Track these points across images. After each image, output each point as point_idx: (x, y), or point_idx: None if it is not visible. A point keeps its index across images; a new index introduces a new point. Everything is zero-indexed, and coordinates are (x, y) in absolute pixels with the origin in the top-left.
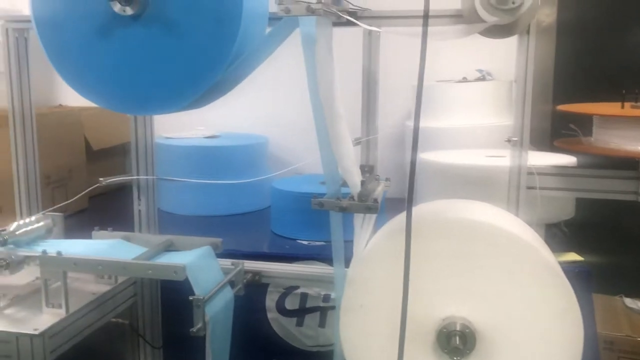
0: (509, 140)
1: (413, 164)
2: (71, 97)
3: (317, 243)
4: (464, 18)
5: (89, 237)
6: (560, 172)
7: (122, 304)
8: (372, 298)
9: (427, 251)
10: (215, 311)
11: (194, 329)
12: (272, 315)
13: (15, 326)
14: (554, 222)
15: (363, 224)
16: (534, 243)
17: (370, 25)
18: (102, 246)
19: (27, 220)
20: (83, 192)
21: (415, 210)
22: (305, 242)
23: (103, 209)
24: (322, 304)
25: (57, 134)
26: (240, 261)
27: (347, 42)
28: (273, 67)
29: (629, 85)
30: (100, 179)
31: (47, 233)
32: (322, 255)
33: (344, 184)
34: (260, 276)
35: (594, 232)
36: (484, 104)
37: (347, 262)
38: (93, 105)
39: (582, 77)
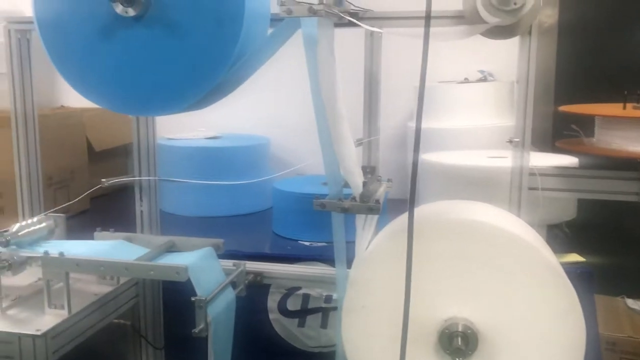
0: (510, 141)
1: (415, 164)
2: (73, 98)
3: (319, 244)
4: (466, 19)
5: (91, 238)
6: (562, 173)
7: (124, 305)
8: (374, 299)
9: (429, 252)
10: (217, 312)
11: (196, 330)
12: (273, 316)
13: (18, 327)
14: (555, 223)
15: (365, 225)
16: (536, 244)
17: (372, 26)
18: (104, 247)
19: (30, 221)
20: (85, 193)
21: (417, 211)
22: (306, 243)
23: (105, 209)
24: (324, 305)
25: (59, 135)
26: (242, 262)
27: (348, 43)
28: (275, 68)
29: (631, 86)
30: (103, 180)
31: (49, 234)
32: (324, 256)
33: (346, 185)
34: (262, 277)
35: (595, 233)
36: (486, 105)
37: (349, 263)
38: (95, 106)
39: (584, 78)
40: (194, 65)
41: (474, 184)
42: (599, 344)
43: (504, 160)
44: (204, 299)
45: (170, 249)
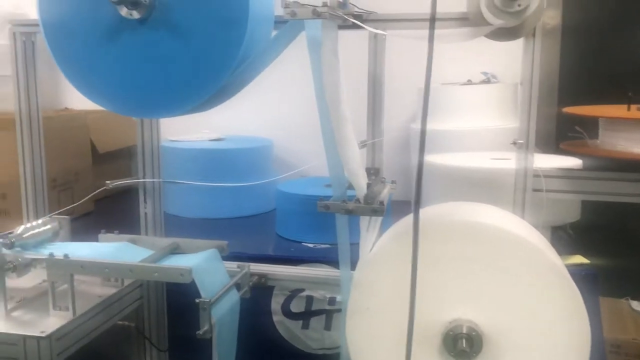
0: (514, 143)
1: (420, 166)
2: (77, 101)
3: (322, 246)
4: (470, 21)
5: (95, 239)
6: (566, 174)
7: (129, 307)
8: (378, 301)
9: (433, 254)
10: (222, 314)
11: (200, 332)
12: (277, 318)
13: (23, 328)
14: (559, 225)
15: (369, 226)
16: (541, 246)
17: (376, 28)
18: (108, 249)
19: (34, 223)
20: (89, 195)
21: (421, 212)
22: (310, 245)
23: (109, 211)
24: (327, 307)
25: (63, 137)
26: (246, 264)
27: (352, 45)
28: (278, 70)
29: (635, 87)
30: (107, 182)
31: (54, 236)
32: (328, 258)
33: (350, 187)
34: (265, 279)
35: (599, 234)
36: (489, 107)
37: (353, 265)
38: (99, 108)
39: (588, 80)
40: (198, 68)
41: (477, 186)
42: (604, 346)
43: (507, 162)
44: (208, 300)
45: (175, 250)
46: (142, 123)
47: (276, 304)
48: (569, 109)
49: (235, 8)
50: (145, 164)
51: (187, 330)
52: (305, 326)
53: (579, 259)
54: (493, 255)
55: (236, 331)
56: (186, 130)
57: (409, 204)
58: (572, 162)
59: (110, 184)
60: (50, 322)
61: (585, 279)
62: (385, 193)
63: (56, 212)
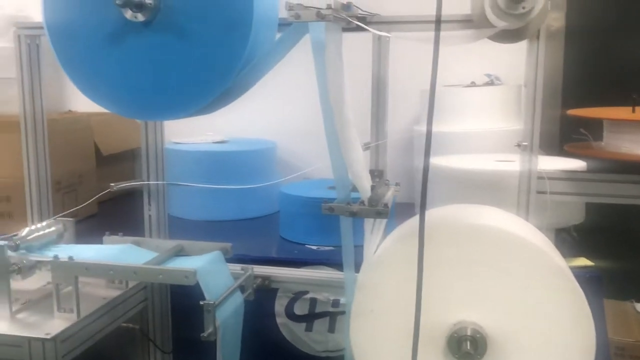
0: (518, 145)
1: (426, 169)
2: (81, 103)
3: (326, 248)
4: (474, 23)
5: (100, 242)
6: (571, 176)
7: (133, 309)
8: (382, 303)
9: (437, 256)
10: (226, 316)
11: (205, 334)
12: (281, 320)
13: (27, 330)
14: (564, 227)
15: (373, 228)
16: (545, 248)
17: (380, 31)
18: (112, 251)
19: (39, 225)
20: (93, 198)
21: (426, 215)
22: (314, 247)
23: (113, 214)
24: (331, 309)
25: (67, 139)
26: (250, 266)
27: (356, 47)
28: (282, 72)
29: None
30: (112, 184)
31: (58, 238)
32: (331, 260)
33: (354, 189)
34: (269, 281)
35: (604, 236)
36: (493, 109)
37: (357, 267)
38: (102, 110)
39: (592, 81)
40: (203, 71)
41: (482, 188)
42: (608, 349)
43: (511, 164)
44: (212, 303)
45: (179, 253)
46: (146, 125)
47: (280, 306)
48: (573, 111)
49: (240, 11)
50: (150, 166)
51: (192, 333)
52: (309, 328)
53: (583, 261)
54: (497, 257)
55: (240, 333)
56: (190, 133)
57: (412, 206)
58: (576, 164)
59: (115, 186)
60: (55, 324)
61: (590, 281)
62: (389, 195)
63: (60, 214)
